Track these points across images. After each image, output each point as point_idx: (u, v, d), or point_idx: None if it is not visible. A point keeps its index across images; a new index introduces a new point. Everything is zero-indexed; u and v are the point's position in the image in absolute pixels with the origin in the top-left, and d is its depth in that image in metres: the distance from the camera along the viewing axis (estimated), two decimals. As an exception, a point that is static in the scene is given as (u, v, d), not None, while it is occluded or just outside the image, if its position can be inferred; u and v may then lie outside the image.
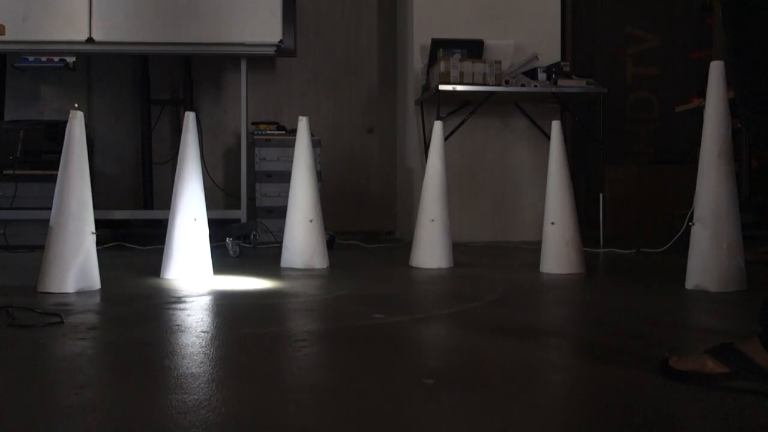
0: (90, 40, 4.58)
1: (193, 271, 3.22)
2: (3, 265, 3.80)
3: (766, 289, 2.79)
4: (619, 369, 1.68)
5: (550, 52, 5.28)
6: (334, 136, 5.74)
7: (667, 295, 2.83)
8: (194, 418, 1.29)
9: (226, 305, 2.56)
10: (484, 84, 4.80)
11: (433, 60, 5.04)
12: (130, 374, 1.62)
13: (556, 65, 4.93)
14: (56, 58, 5.13)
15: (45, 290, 2.74)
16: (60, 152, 2.81)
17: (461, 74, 4.77)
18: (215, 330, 2.11)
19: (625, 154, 5.58)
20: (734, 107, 2.82)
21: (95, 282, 2.84)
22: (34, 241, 4.91)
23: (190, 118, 3.32)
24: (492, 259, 4.23)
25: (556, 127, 3.50)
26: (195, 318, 2.29)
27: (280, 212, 4.62)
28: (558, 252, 3.42)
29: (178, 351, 1.83)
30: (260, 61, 5.62)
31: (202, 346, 1.88)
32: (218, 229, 4.30)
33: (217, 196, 5.48)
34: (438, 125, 3.77)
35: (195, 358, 1.76)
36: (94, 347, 1.90)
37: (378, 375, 1.64)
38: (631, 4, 5.75)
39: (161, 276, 3.22)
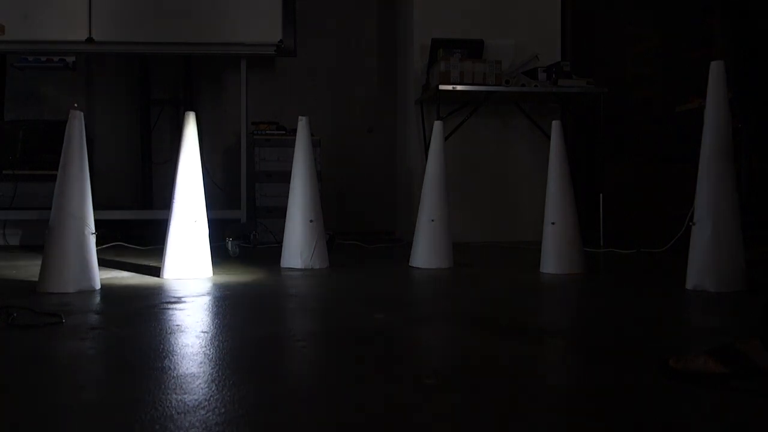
0: (90, 40, 4.58)
1: (193, 271, 3.22)
2: (3, 265, 3.80)
3: (766, 290, 2.79)
4: (619, 369, 1.67)
5: (550, 52, 5.27)
6: (334, 136, 5.73)
7: (667, 295, 2.83)
8: (194, 418, 1.29)
9: (225, 305, 2.56)
10: (484, 84, 4.80)
11: (433, 60, 5.04)
12: (130, 374, 1.62)
13: (556, 65, 4.93)
14: (56, 58, 5.13)
15: (45, 290, 2.74)
16: (60, 152, 2.81)
17: (461, 74, 4.77)
18: (215, 330, 2.11)
19: (625, 154, 5.57)
20: (734, 107, 2.82)
21: (95, 282, 2.84)
22: (34, 241, 4.91)
23: (190, 118, 3.32)
24: (492, 259, 4.22)
25: (556, 127, 3.50)
26: (195, 318, 2.29)
27: (280, 212, 4.62)
28: (558, 252, 3.42)
29: (178, 351, 1.83)
30: (260, 61, 5.61)
31: (202, 346, 1.88)
32: (218, 229, 4.30)
33: (217, 196, 5.48)
34: (438, 125, 3.76)
35: (195, 358, 1.76)
36: (94, 347, 1.90)
37: (378, 375, 1.64)
38: (631, 4, 5.75)
39: (161, 276, 3.21)
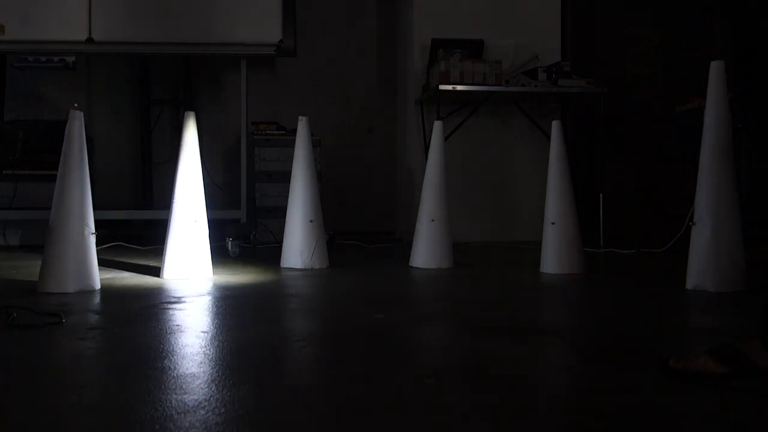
0: (90, 40, 4.58)
1: (193, 271, 3.22)
2: (3, 265, 3.80)
3: (766, 289, 2.79)
4: (619, 369, 1.67)
5: (550, 52, 5.27)
6: (334, 136, 5.73)
7: (667, 295, 2.82)
8: (194, 418, 1.29)
9: (225, 305, 2.56)
10: (484, 84, 4.80)
11: (433, 60, 5.04)
12: (130, 374, 1.62)
13: (556, 65, 4.93)
14: (56, 58, 5.13)
15: (45, 290, 2.74)
16: (60, 152, 2.81)
17: (461, 74, 4.77)
18: (215, 330, 2.11)
19: (625, 154, 5.57)
20: (734, 107, 2.82)
21: (95, 282, 2.84)
22: (34, 241, 4.91)
23: (189, 118, 3.32)
24: (492, 259, 4.22)
25: (556, 127, 3.50)
26: (195, 318, 2.29)
27: (280, 212, 4.62)
28: (558, 252, 3.42)
29: (178, 351, 1.83)
30: (260, 61, 5.61)
31: (202, 347, 1.88)
32: (218, 229, 4.30)
33: (217, 196, 5.47)
34: (438, 125, 3.76)
35: (195, 358, 1.76)
36: (94, 347, 1.90)
37: (378, 375, 1.64)
38: (631, 4, 5.75)
39: (161, 276, 3.21)
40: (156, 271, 3.34)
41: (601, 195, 4.86)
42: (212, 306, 2.54)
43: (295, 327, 2.29)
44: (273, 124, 5.24)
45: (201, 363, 1.70)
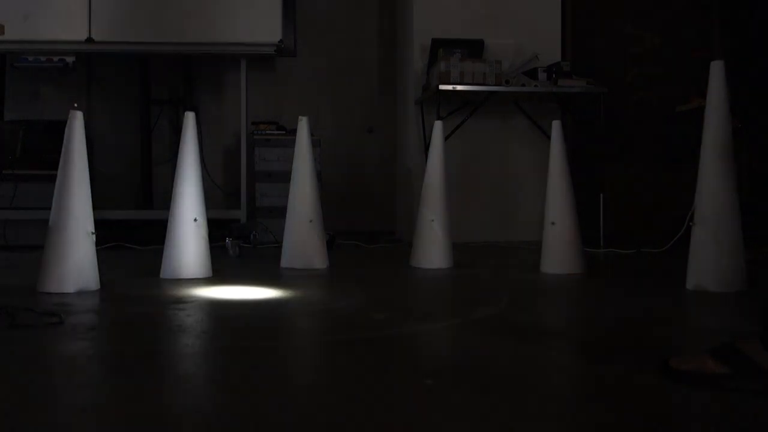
0: (90, 40, 4.58)
1: (192, 271, 3.22)
2: (3, 265, 3.79)
3: (766, 289, 2.79)
4: (619, 369, 1.67)
5: (550, 52, 5.27)
6: (334, 136, 5.73)
7: (667, 295, 2.82)
8: (194, 418, 1.29)
9: (225, 306, 2.56)
10: (484, 84, 4.80)
11: (433, 60, 5.04)
12: (130, 374, 1.62)
13: (556, 65, 4.93)
14: (56, 58, 5.13)
15: (45, 290, 2.74)
16: (60, 152, 2.81)
17: (461, 74, 4.77)
18: (215, 330, 2.11)
19: (625, 154, 5.57)
20: (734, 107, 2.82)
21: (95, 282, 2.84)
22: (34, 241, 4.91)
23: (189, 118, 3.31)
24: (492, 259, 4.22)
25: (556, 127, 3.50)
26: (194, 318, 2.29)
27: (280, 212, 4.62)
28: (558, 252, 3.41)
29: (178, 351, 1.83)
30: (260, 61, 5.61)
31: (202, 347, 1.88)
32: (218, 229, 4.29)
33: (217, 196, 5.48)
34: (438, 125, 3.76)
35: (195, 358, 1.75)
36: (94, 347, 1.90)
37: (378, 376, 1.64)
38: (631, 4, 5.75)
39: (161, 276, 3.21)
40: (156, 272, 3.34)
41: (601, 195, 4.86)
42: (212, 306, 2.54)
43: (295, 327, 2.29)
44: (273, 124, 5.24)
45: (201, 363, 1.70)
